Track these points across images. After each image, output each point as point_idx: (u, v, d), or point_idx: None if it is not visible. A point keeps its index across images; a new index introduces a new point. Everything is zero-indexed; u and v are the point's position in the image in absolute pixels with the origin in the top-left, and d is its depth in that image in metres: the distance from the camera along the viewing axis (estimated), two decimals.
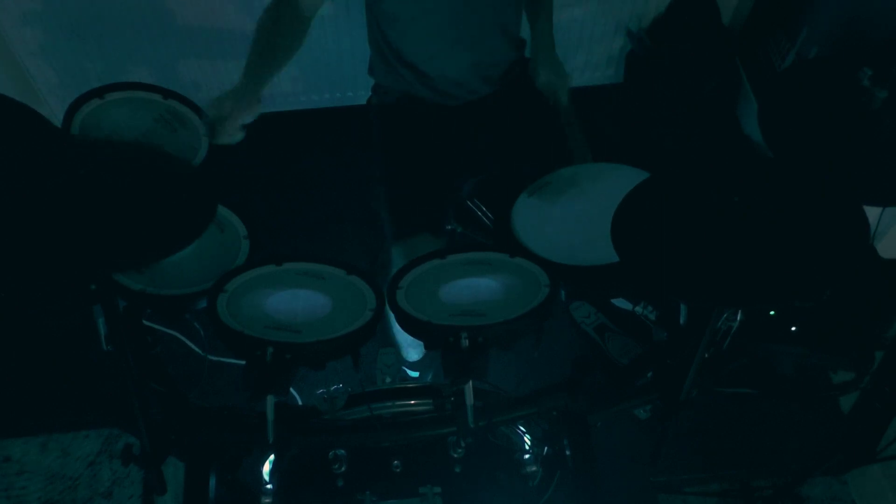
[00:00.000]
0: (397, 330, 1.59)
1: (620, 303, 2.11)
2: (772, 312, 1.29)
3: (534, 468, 1.41)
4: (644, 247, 1.06)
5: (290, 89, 2.57)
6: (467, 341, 1.15)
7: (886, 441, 1.66)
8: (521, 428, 1.45)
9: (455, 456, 1.35)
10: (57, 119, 1.29)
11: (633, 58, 2.54)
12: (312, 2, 1.50)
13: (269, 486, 1.38)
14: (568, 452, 1.33)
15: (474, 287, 1.19)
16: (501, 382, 1.39)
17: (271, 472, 1.39)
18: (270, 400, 1.13)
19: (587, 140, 1.67)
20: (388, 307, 1.17)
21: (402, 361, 2.03)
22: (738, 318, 1.19)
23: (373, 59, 1.77)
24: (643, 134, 2.55)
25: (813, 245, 1.02)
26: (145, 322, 1.27)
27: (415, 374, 2.05)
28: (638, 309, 2.07)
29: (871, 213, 1.07)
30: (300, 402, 1.68)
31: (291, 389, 1.39)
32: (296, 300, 1.18)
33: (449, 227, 1.87)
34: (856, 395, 1.90)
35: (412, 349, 1.96)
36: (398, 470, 1.35)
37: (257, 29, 1.48)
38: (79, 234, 0.94)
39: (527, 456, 1.42)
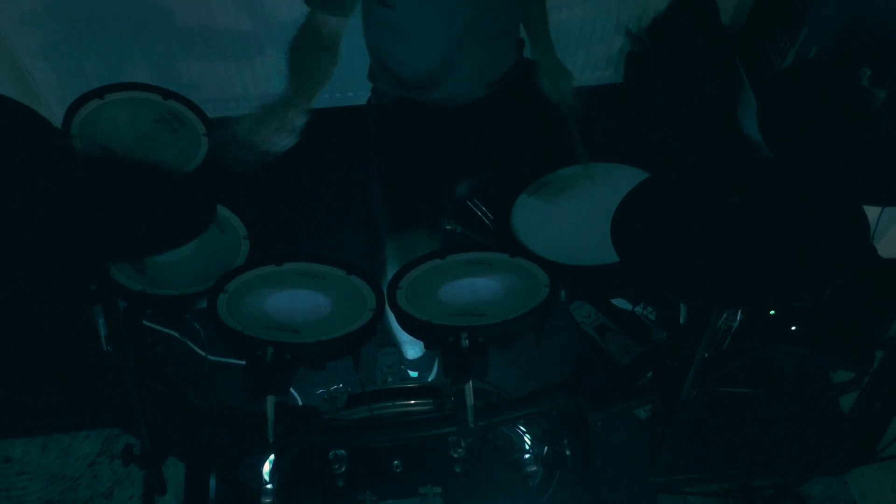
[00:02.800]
0: (396, 327, 1.59)
1: (620, 303, 2.12)
2: (772, 312, 1.29)
3: (534, 468, 1.41)
4: (644, 247, 1.06)
5: None
6: (467, 341, 1.15)
7: (886, 441, 1.66)
8: (521, 428, 1.45)
9: (455, 456, 1.35)
10: (57, 119, 1.29)
11: (633, 58, 2.54)
12: (337, 28, 1.50)
13: (269, 486, 1.38)
14: (568, 452, 1.33)
15: (474, 287, 1.19)
16: (501, 382, 1.39)
17: (271, 472, 1.39)
18: (270, 400, 1.13)
19: (584, 146, 1.64)
20: (387, 307, 1.17)
21: (402, 360, 2.02)
22: (738, 318, 1.19)
23: (373, 67, 1.77)
24: (643, 134, 2.54)
25: (813, 245, 1.02)
26: (145, 322, 1.27)
27: (414, 373, 2.05)
28: (638, 309, 2.07)
29: (871, 213, 1.07)
30: (300, 402, 1.68)
31: (291, 389, 1.39)
32: (296, 300, 1.18)
33: (449, 226, 1.87)
34: (856, 395, 1.90)
35: (411, 347, 1.96)
36: (398, 470, 1.35)
37: (290, 55, 1.47)
38: (79, 234, 0.94)
39: (527, 456, 1.42)
